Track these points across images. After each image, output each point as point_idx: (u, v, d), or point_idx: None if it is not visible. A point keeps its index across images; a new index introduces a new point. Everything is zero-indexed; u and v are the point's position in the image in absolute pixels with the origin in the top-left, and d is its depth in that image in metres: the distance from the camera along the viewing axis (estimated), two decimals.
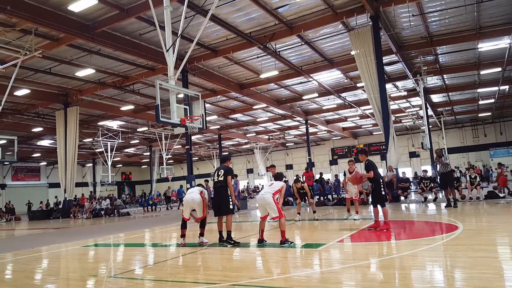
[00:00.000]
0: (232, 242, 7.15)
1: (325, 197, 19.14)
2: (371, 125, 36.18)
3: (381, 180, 7.85)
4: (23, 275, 5.90)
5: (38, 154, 37.29)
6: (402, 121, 33.90)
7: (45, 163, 42.16)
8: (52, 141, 30.96)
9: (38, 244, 9.66)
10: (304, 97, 24.75)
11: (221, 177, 7.31)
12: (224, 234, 7.39)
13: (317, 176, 20.84)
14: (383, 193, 7.80)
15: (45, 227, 16.91)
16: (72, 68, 17.54)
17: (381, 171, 26.76)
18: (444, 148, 32.00)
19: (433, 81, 22.91)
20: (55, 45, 14.61)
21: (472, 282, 3.88)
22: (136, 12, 12.88)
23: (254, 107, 26.60)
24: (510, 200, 12.67)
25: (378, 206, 7.83)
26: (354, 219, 9.88)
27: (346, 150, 42.77)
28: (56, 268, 6.50)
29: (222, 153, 38.19)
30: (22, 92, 18.81)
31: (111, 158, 30.11)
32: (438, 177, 13.28)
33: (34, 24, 12.59)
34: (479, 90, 25.17)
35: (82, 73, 17.78)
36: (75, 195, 23.88)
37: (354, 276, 4.53)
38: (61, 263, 7.29)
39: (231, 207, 7.27)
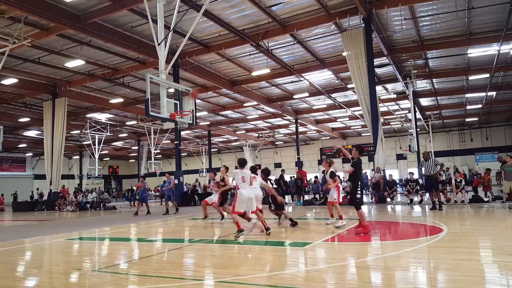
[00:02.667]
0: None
1: (313, 197, 19.24)
2: (360, 126, 36.47)
3: (359, 183, 7.57)
4: (5, 267, 5.80)
5: (24, 145, 36.66)
6: (391, 123, 34.25)
7: (31, 154, 41.48)
8: (39, 132, 30.46)
9: (21, 236, 9.50)
10: (295, 96, 24.81)
11: None
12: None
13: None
14: (358, 196, 7.50)
15: (29, 219, 16.65)
16: (62, 58, 17.27)
17: (368, 172, 26.83)
18: (431, 152, 32.42)
19: (422, 84, 23.21)
20: (45, 35, 14.38)
21: (454, 284, 3.94)
22: (128, 4, 12.74)
23: (245, 104, 26.58)
24: (493, 205, 12.90)
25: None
26: (336, 226, 8.41)
27: (335, 150, 43.00)
28: (39, 261, 6.40)
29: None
30: (9, 81, 18.46)
31: (98, 151, 29.75)
32: (424, 180, 13.43)
33: (23, 12, 12.37)
34: (467, 95, 25.56)
35: (71, 64, 17.51)
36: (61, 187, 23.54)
37: (339, 275, 4.57)
38: (45, 256, 7.18)
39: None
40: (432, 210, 11.46)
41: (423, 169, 12.18)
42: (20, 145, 36.64)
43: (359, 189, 7.52)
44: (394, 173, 24.87)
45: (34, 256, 7.05)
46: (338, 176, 9.33)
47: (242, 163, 8.02)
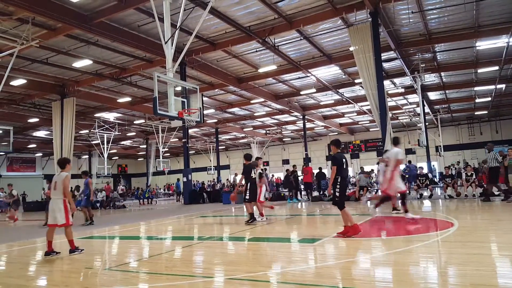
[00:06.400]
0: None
1: (322, 193, 19.19)
2: (368, 122, 36.26)
3: (338, 179, 6.51)
4: (17, 267, 5.89)
5: (34, 145, 37.10)
6: (399, 118, 33.99)
7: (40, 154, 41.97)
8: (48, 132, 30.79)
9: (33, 236, 9.63)
10: (302, 92, 24.73)
11: (254, 175, 9.47)
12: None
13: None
14: (337, 194, 6.51)
15: (40, 218, 16.83)
16: (69, 58, 17.40)
17: (375, 167, 26.49)
18: (440, 146, 32.14)
19: (430, 78, 22.95)
20: (53, 35, 14.48)
21: (465, 279, 3.91)
22: (135, 3, 12.78)
23: (252, 101, 26.56)
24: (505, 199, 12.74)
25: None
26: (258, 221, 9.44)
27: (343, 146, 42.86)
28: (50, 260, 6.47)
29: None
30: (18, 82, 18.65)
31: (107, 150, 30.00)
32: (487, 171, 13.10)
33: (31, 13, 12.47)
34: (476, 88, 25.26)
35: (79, 64, 17.64)
36: (71, 187, 23.74)
37: (349, 271, 4.56)
38: (55, 255, 7.26)
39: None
40: (484, 201, 11.41)
41: (488, 160, 12.12)
42: (30, 146, 37.09)
43: (338, 186, 6.50)
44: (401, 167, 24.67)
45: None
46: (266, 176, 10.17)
47: (61, 164, 6.61)
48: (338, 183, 6.52)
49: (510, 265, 4.47)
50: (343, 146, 42.42)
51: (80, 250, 6.46)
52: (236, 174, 34.48)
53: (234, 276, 4.47)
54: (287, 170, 19.57)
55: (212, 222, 10.79)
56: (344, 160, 6.67)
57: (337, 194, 6.53)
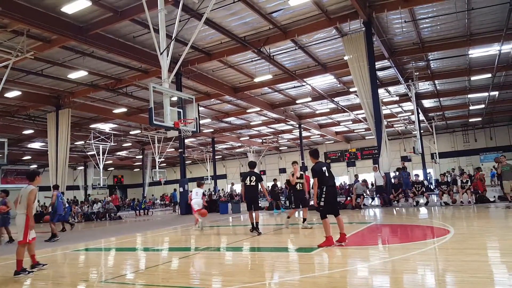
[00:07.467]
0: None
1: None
2: (364, 130, 36.43)
3: (324, 188, 6.64)
4: (12, 280, 5.81)
5: (29, 157, 36.85)
6: (394, 125, 34.18)
7: (35, 166, 41.65)
8: (43, 144, 30.64)
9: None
10: (297, 101, 24.86)
11: (253, 182, 9.22)
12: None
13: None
14: (321, 203, 6.63)
15: (36, 231, 16.65)
16: (65, 70, 17.42)
17: (371, 175, 26.55)
18: (435, 153, 32.31)
19: (424, 86, 23.17)
20: (48, 47, 14.51)
21: (463, 286, 3.91)
22: (130, 15, 12.87)
23: (248, 110, 26.65)
24: (499, 205, 12.79)
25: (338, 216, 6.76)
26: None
27: (339, 154, 42.99)
28: (45, 273, 6.40)
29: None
30: (13, 93, 18.60)
31: (103, 161, 29.85)
32: None
33: (26, 25, 12.50)
34: (469, 95, 25.52)
35: (74, 75, 17.66)
36: (67, 198, 23.57)
37: (347, 280, 4.55)
38: (51, 268, 7.17)
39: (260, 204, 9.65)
40: None
41: None
42: (25, 157, 36.83)
43: (323, 196, 6.61)
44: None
45: (40, 268, 7.04)
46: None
47: (30, 176, 6.41)
48: (324, 193, 6.60)
49: (507, 272, 4.47)
50: (339, 154, 42.61)
51: (27, 272, 5.93)
52: (232, 184, 34.40)
53: (231, 286, 4.44)
54: (274, 180, 19.56)
55: (209, 232, 10.72)
56: (324, 168, 6.71)
57: (322, 203, 6.61)
